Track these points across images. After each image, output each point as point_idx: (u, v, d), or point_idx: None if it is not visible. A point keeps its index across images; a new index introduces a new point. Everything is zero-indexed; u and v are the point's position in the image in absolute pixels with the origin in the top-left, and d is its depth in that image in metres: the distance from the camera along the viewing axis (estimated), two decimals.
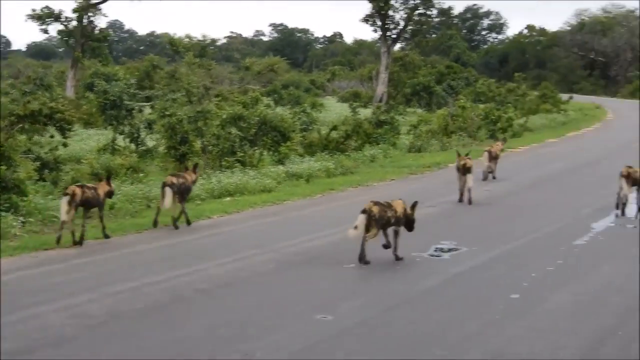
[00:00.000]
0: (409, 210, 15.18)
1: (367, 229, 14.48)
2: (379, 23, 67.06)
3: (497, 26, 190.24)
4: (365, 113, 43.06)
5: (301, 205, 21.70)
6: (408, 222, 15.23)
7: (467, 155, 22.78)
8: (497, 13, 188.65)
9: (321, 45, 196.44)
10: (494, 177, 27.13)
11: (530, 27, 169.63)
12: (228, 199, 22.37)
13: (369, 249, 14.73)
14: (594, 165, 32.37)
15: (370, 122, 38.04)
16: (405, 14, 67.04)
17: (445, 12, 69.59)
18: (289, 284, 13.54)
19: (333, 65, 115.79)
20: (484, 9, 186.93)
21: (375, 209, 14.55)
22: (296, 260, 15.15)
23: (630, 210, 20.35)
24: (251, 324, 11.18)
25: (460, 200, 22.03)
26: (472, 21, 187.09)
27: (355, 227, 14.46)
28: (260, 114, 29.48)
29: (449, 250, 16.10)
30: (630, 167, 20.57)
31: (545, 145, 41.10)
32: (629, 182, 20.20)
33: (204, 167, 25.79)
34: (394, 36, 68.07)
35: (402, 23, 67.21)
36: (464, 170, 21.93)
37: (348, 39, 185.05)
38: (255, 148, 29.13)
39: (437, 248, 16.20)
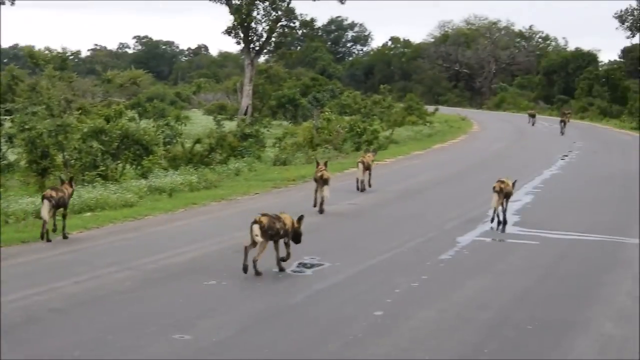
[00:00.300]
0: (296, 224, 15.22)
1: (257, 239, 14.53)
2: (242, 35, 66.64)
3: (362, 38, 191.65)
4: (230, 126, 42.68)
5: (162, 221, 21.05)
6: (296, 235, 15.26)
7: (325, 165, 23.12)
8: (361, 25, 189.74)
9: (186, 58, 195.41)
10: (369, 186, 27.21)
11: (394, 39, 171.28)
12: (88, 214, 21.59)
13: (233, 261, 14.44)
14: (460, 177, 32.45)
15: (235, 135, 37.73)
16: (268, 25, 66.75)
17: (308, 24, 69.12)
18: (147, 302, 12.99)
19: (199, 78, 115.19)
20: (349, 21, 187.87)
21: (265, 220, 14.55)
22: (155, 278, 14.60)
23: (496, 223, 20.50)
24: (106, 345, 10.71)
25: (316, 206, 22.02)
26: (336, 33, 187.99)
27: (257, 235, 14.37)
28: (122, 127, 28.82)
29: (312, 265, 15.67)
30: (502, 181, 20.46)
31: (411, 157, 41.20)
32: (501, 196, 20.22)
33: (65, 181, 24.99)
34: (257, 48, 67.66)
35: (265, 35, 66.85)
36: (322, 181, 22.07)
37: (213, 51, 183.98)
38: (118, 162, 28.39)
39: (300, 264, 15.71)
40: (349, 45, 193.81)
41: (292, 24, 68.65)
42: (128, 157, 28.73)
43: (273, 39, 68.42)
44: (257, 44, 67.35)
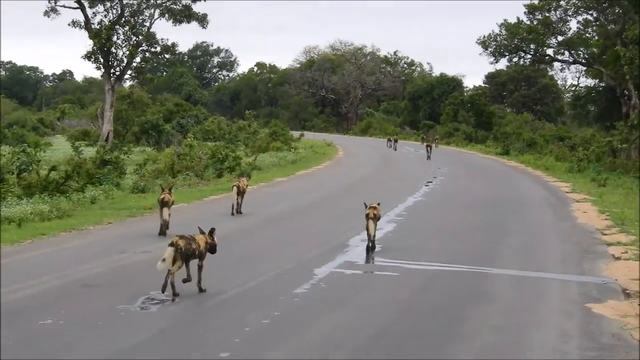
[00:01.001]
0: (208, 239, 15.45)
1: (174, 261, 14.61)
2: (102, 60, 65.14)
3: (228, 64, 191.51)
4: (92, 152, 41.33)
5: (6, 253, 19.53)
6: (211, 248, 15.54)
7: (170, 189, 23.74)
8: (227, 50, 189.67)
9: (51, 83, 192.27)
10: (240, 212, 27.19)
11: (260, 65, 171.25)
12: None
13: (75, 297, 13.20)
14: (321, 204, 31.68)
15: (94, 162, 36.45)
16: (128, 50, 65.39)
17: (169, 49, 67.97)
18: None
19: (63, 104, 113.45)
20: (214, 47, 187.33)
21: (182, 242, 14.73)
22: None
23: (356, 254, 19.74)
24: None
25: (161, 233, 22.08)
26: (202, 59, 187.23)
27: (164, 260, 14.46)
28: None
29: (160, 301, 14.54)
30: (374, 207, 20.26)
31: (273, 184, 40.25)
32: (376, 222, 20.18)
33: None
34: (117, 73, 66.16)
35: (125, 60, 65.48)
36: (162, 203, 22.44)
37: (79, 77, 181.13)
38: None
39: (146, 299, 14.60)
40: (215, 70, 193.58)
41: (153, 49, 67.45)
42: None
43: (134, 64, 67.14)
44: (117, 69, 65.95)
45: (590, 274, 18.26)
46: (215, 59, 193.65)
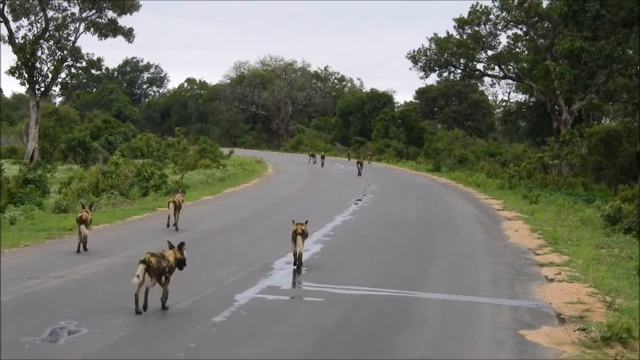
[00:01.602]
0: (178, 255, 15.50)
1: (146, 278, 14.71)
2: (26, 75, 63.89)
3: (158, 79, 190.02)
4: (16, 170, 40.21)
5: None
6: (180, 263, 15.52)
7: (90, 207, 23.65)
8: (157, 66, 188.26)
9: None
10: (176, 229, 27.36)
11: (190, 80, 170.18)
12: None
13: None
14: (247, 224, 30.65)
15: (16, 181, 35.37)
16: (53, 65, 64.19)
17: (94, 64, 66.95)
18: None
19: None
20: (144, 62, 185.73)
21: (154, 260, 14.77)
22: None
23: (280, 277, 18.98)
24: None
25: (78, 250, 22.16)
26: (132, 74, 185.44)
27: (137, 276, 14.50)
28: None
29: (69, 332, 13.53)
30: (300, 223, 20.16)
31: (199, 203, 39.09)
32: (303, 238, 20.10)
33: None
34: (42, 89, 64.91)
35: (50, 75, 64.30)
36: (79, 221, 22.40)
37: (7, 93, 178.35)
38: None
39: (54, 330, 13.60)
40: (145, 86, 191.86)
41: (78, 64, 66.36)
42: None
43: (59, 80, 66.05)
44: (42, 84, 64.75)
45: (523, 297, 17.68)
46: (145, 75, 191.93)
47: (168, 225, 27.70)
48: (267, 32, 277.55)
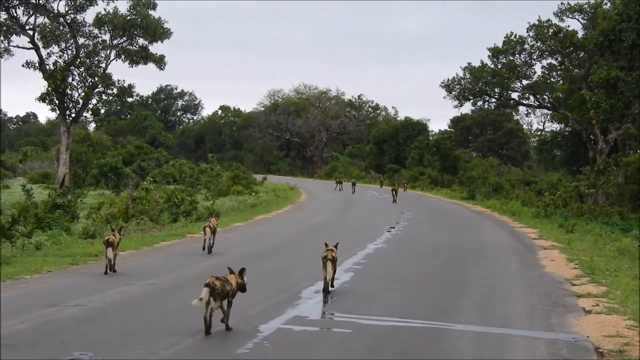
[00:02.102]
0: (239, 280, 15.99)
1: (211, 301, 15.10)
2: (57, 102, 63.90)
3: (192, 107, 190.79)
4: (45, 195, 40.06)
5: None
6: (241, 288, 16.03)
7: (120, 230, 25.18)
8: (191, 93, 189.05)
9: (15, 126, 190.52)
10: (210, 251, 28.30)
11: (224, 108, 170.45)
12: None
13: None
14: (275, 251, 30.11)
15: (45, 206, 35.08)
16: (84, 92, 64.17)
17: (125, 91, 66.93)
18: None
19: (26, 146, 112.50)
20: (178, 90, 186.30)
21: (218, 283, 15.20)
22: None
23: (307, 307, 18.36)
24: None
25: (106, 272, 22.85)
26: (166, 102, 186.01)
27: (201, 299, 14.91)
28: None
29: None
30: (331, 249, 20.30)
31: (229, 229, 38.53)
32: (334, 265, 20.18)
33: None
34: (73, 115, 64.89)
35: (81, 102, 64.28)
36: (107, 244, 23.08)
37: (42, 119, 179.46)
38: None
39: None
40: (179, 113, 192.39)
41: (109, 90, 66.31)
42: None
43: (90, 106, 66.01)
44: (73, 110, 64.71)
45: (559, 330, 16.91)
46: (180, 102, 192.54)
47: (204, 249, 28.47)
48: (301, 61, 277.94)
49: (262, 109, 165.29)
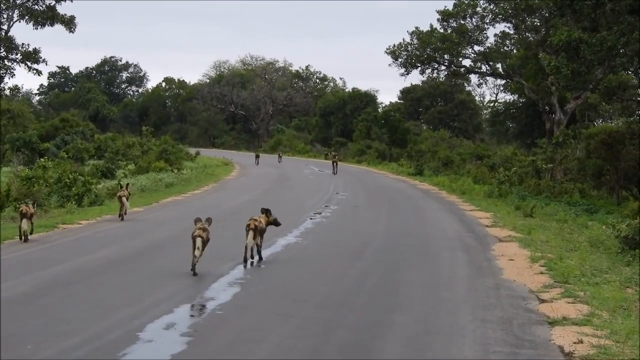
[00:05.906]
0: (268, 218, 21.05)
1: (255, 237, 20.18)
2: None
3: (137, 79, 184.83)
4: None
5: None
6: (275, 223, 21.72)
7: (34, 204, 25.08)
8: (136, 65, 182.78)
9: None
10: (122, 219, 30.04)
11: (168, 80, 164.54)
12: None
13: None
14: (145, 255, 22.46)
15: None
16: None
17: (30, 55, 61.41)
18: None
19: None
20: (123, 61, 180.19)
21: (257, 223, 20.16)
22: None
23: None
24: None
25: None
26: (110, 74, 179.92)
27: (253, 239, 20.04)
28: None
29: None
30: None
31: (113, 219, 30.71)
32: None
33: None
34: None
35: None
36: (21, 215, 23.66)
37: None
38: None
39: None
40: (124, 86, 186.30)
41: (11, 55, 60.17)
42: None
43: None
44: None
45: None
46: (124, 74, 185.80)
47: (120, 217, 30.19)
48: (249, 33, 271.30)
49: (207, 80, 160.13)
